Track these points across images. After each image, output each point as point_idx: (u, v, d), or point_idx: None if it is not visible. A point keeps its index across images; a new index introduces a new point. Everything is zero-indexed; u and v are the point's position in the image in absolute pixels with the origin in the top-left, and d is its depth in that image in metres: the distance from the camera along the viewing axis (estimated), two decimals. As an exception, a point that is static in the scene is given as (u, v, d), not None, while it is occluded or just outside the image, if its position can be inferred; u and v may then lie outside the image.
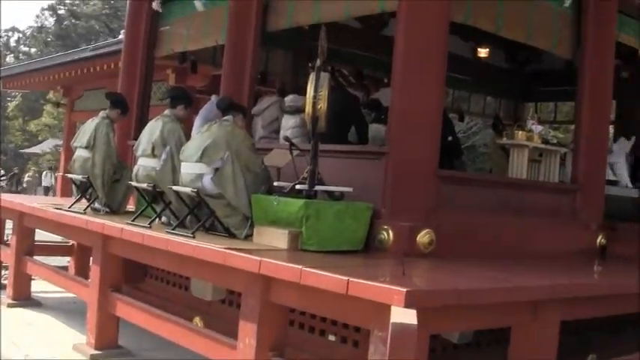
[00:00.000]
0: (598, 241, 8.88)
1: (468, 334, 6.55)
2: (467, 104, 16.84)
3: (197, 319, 7.59)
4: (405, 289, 4.44)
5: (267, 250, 6.14)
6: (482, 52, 15.09)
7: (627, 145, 11.79)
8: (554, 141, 9.55)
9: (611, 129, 15.66)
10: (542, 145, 9.15)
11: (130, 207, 9.39)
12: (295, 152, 7.06)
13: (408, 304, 4.42)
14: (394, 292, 4.49)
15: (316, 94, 6.55)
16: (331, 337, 6.72)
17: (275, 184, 7.18)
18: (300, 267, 5.24)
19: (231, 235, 7.07)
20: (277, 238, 6.42)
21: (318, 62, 6.68)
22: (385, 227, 6.77)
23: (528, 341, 5.66)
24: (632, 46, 10.26)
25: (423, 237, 6.72)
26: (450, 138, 8.57)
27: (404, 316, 4.37)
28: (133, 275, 9.30)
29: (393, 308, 4.46)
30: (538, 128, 9.20)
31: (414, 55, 7.11)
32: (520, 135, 9.09)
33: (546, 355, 5.77)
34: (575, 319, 6.49)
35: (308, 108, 6.60)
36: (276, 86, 11.38)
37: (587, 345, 7.77)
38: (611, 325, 8.41)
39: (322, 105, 6.52)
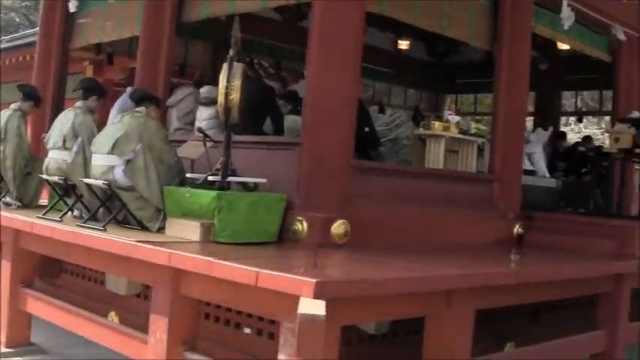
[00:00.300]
0: (515, 230, 8.93)
1: (384, 325, 6.51)
2: (388, 97, 16.87)
3: (112, 314, 7.44)
4: (314, 280, 4.39)
5: (179, 243, 6.05)
6: (403, 45, 15.19)
7: (544, 135, 11.95)
8: (474, 132, 9.57)
9: (530, 120, 15.93)
10: (459, 136, 9.18)
11: (44, 201, 9.17)
12: (209, 144, 6.97)
13: (317, 295, 4.37)
14: (303, 283, 4.45)
15: (229, 84, 6.46)
16: (247, 330, 6.63)
17: (188, 175, 7.07)
18: (209, 259, 5.17)
19: (144, 228, 6.93)
20: (189, 230, 6.32)
21: (231, 52, 6.59)
22: (299, 218, 6.69)
23: (442, 331, 5.67)
24: (549, 37, 10.37)
25: (338, 228, 6.65)
26: (366, 129, 8.54)
27: (312, 307, 4.32)
28: (47, 270, 9.06)
29: (302, 299, 4.41)
30: (455, 119, 9.23)
31: (329, 46, 7.04)
32: (437, 125, 9.11)
33: (461, 344, 5.78)
34: (493, 308, 6.56)
35: (220, 99, 6.51)
36: (195, 78, 11.23)
37: (505, 333, 7.83)
38: (529, 312, 8.52)
39: (235, 96, 6.43)
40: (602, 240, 8.34)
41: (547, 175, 11.38)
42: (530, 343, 7.20)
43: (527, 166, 11.10)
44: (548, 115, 15.56)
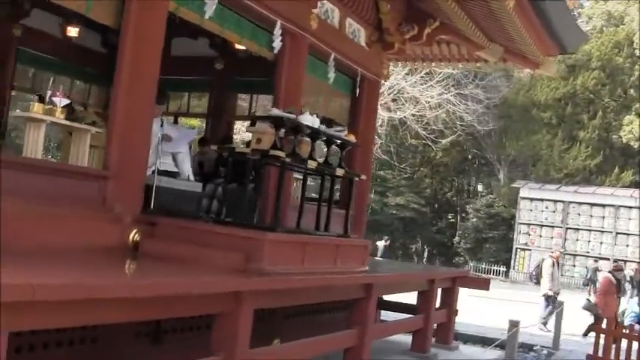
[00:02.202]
0: (131, 236, 7.74)
1: None
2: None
3: None
4: None
5: None
6: (72, 32, 13.78)
7: (190, 134, 10.88)
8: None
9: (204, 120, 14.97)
10: (66, 122, 7.82)
11: None
12: None
13: None
14: None
15: None
16: None
17: None
18: None
19: None
20: None
21: None
22: None
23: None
24: (197, 24, 9.35)
25: None
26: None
27: None
28: None
29: None
30: (63, 102, 7.87)
31: None
32: (36, 108, 7.69)
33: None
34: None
35: None
36: None
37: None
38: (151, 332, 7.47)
39: None
40: (228, 252, 7.34)
41: (192, 177, 10.28)
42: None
43: (171, 167, 10.03)
44: (221, 115, 14.67)
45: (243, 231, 7.60)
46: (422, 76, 44.66)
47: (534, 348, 16.13)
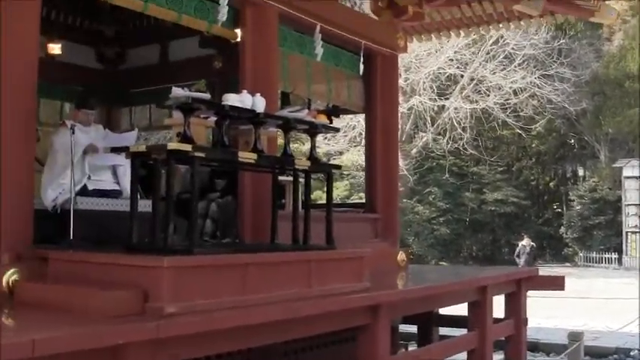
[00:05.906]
0: (6, 278, 5.77)
1: None
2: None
3: None
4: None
5: None
6: (55, 49, 12.05)
7: (129, 138, 8.69)
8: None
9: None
10: None
11: None
12: None
13: None
14: None
15: None
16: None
17: None
18: None
19: None
20: None
21: None
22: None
23: None
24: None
25: None
26: None
27: None
28: None
29: None
30: None
31: None
32: None
33: None
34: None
35: None
36: None
37: None
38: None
39: None
40: (112, 290, 5.24)
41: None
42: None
43: (110, 185, 7.99)
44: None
45: (140, 259, 5.52)
46: (500, 61, 42.08)
47: (631, 353, 13.55)
